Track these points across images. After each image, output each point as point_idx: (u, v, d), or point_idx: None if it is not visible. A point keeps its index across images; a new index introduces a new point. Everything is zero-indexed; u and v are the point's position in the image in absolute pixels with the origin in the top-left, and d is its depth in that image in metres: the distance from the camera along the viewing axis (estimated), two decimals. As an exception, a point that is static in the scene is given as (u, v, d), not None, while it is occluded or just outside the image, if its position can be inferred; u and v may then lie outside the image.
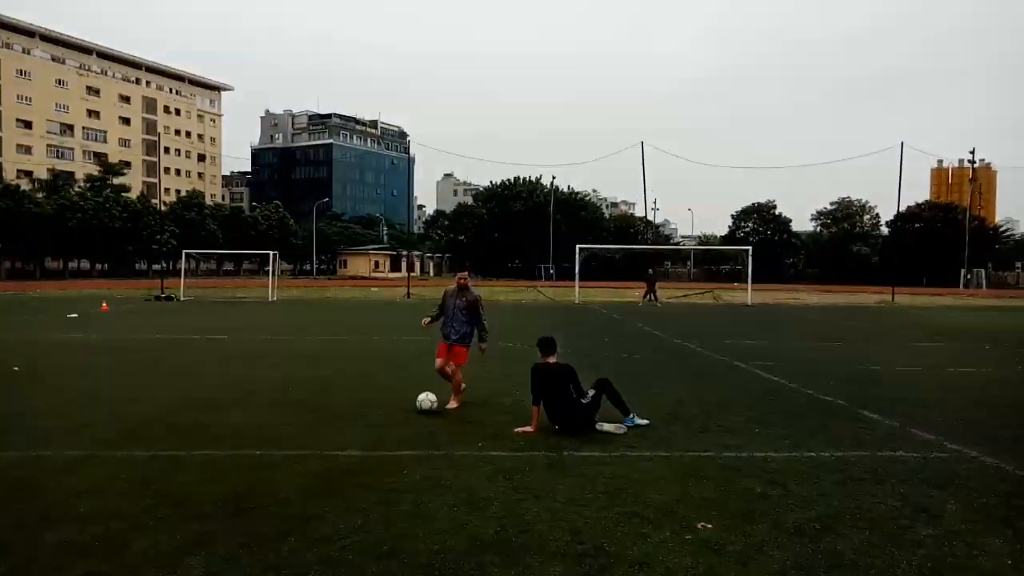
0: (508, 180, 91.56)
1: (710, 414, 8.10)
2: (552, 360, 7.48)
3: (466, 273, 8.87)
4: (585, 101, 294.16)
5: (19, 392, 9.23)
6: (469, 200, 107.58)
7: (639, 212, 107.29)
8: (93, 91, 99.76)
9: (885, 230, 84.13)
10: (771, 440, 6.93)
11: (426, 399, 7.90)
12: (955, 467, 6.02)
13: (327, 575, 3.85)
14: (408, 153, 68.70)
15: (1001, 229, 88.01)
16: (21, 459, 6.03)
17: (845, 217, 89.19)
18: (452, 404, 8.24)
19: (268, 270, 35.79)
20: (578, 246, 39.40)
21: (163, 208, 71.16)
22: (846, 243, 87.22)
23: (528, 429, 7.11)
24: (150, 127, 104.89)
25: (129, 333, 17.44)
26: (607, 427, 7.17)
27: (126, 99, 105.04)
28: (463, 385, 8.49)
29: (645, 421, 7.43)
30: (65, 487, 5.30)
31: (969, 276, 68.91)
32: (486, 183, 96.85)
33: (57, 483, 5.40)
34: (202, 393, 9.26)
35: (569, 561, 4.05)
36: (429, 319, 8.86)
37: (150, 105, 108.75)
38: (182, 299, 32.95)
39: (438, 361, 8.43)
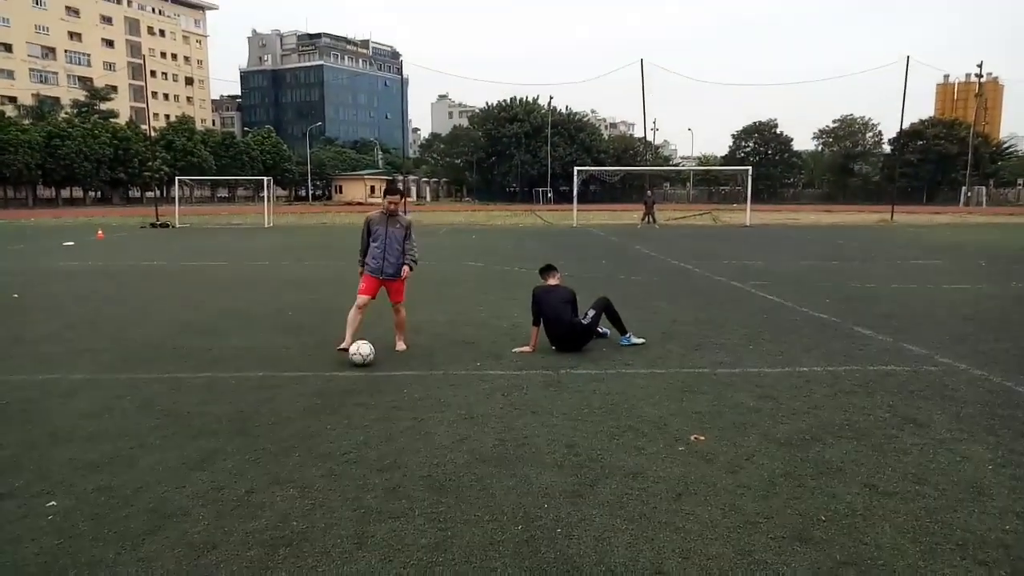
0: (504, 101, 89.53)
1: (705, 332, 8.21)
2: (553, 282, 7.56)
3: (398, 196, 7.45)
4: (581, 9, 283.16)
5: (20, 319, 9.30)
6: (465, 123, 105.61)
7: (639, 133, 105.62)
8: (72, 11, 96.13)
9: (887, 148, 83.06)
10: (765, 356, 7.04)
11: (358, 353, 6.60)
12: (944, 379, 6.14)
13: (331, 487, 3.98)
14: (401, 74, 66.71)
15: (1004, 146, 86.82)
16: (27, 383, 6.14)
17: (848, 135, 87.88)
18: (401, 346, 7.40)
19: (263, 196, 35.46)
20: (576, 168, 38.99)
21: (153, 134, 69.85)
22: (848, 162, 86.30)
23: (526, 349, 7.23)
24: (134, 49, 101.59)
25: (126, 260, 17.44)
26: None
27: (108, 19, 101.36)
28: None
29: (641, 340, 7.54)
30: (72, 409, 5.41)
31: (969, 194, 68.52)
32: (482, 105, 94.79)
33: (63, 405, 5.51)
34: (202, 317, 9.34)
35: (565, 472, 4.19)
36: (360, 261, 7.35)
37: (133, 26, 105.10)
38: (177, 226, 32.80)
39: (361, 299, 7.14)
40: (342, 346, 6.88)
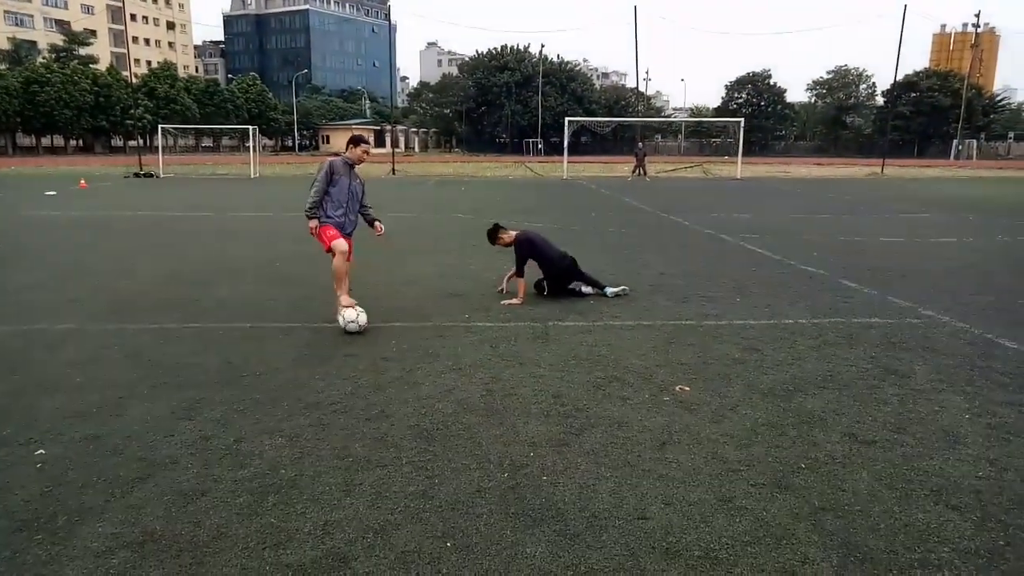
0: (495, 49, 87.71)
1: (693, 285, 8.24)
2: (508, 236, 7.54)
3: (369, 145, 6.96)
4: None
5: (2, 269, 9.20)
6: (454, 71, 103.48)
7: (631, 83, 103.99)
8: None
9: (881, 100, 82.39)
10: (751, 309, 7.09)
11: (355, 321, 6.14)
12: (926, 332, 6.22)
13: (320, 436, 4.01)
14: (389, 20, 65.05)
15: (998, 98, 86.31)
16: (13, 332, 6.10)
17: (841, 87, 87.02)
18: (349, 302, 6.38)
19: (249, 146, 34.88)
20: (567, 119, 38.48)
21: (135, 80, 68.14)
22: (840, 114, 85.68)
23: (515, 301, 7.25)
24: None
25: (111, 210, 17.20)
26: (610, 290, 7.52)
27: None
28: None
29: (619, 288, 7.60)
30: (59, 358, 5.40)
31: (960, 147, 68.41)
32: (472, 53, 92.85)
33: (51, 355, 5.50)
34: (189, 268, 9.28)
35: (551, 421, 4.24)
36: (312, 209, 6.47)
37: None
38: (162, 176, 32.30)
39: (342, 243, 6.39)
40: (344, 303, 6.24)
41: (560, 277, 7.52)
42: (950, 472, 3.60)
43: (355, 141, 6.76)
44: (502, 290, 7.70)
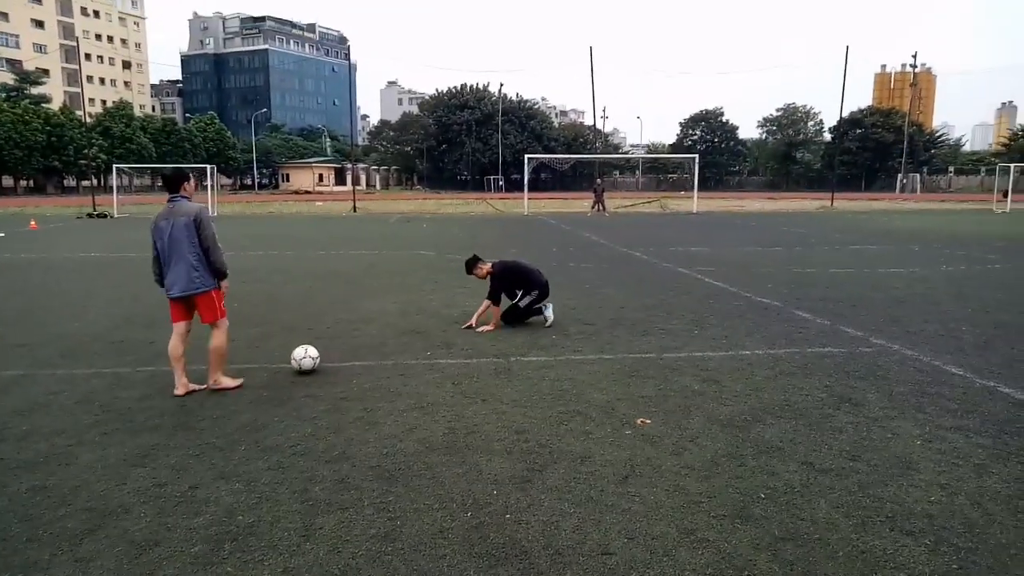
0: (455, 88, 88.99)
1: (652, 318, 8.35)
2: (483, 270, 7.94)
3: (183, 180, 5.52)
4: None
5: (-53, 314, 8.87)
6: (415, 109, 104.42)
7: (588, 121, 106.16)
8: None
9: (828, 136, 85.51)
10: (709, 341, 7.21)
11: (307, 358, 5.97)
12: (877, 360, 6.40)
13: (278, 480, 3.93)
14: (349, 60, 65.50)
15: (937, 135, 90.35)
16: (-45, 381, 5.87)
17: (790, 124, 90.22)
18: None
19: (206, 185, 34.49)
20: (527, 156, 39.03)
21: (89, 120, 67.06)
22: (791, 150, 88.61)
23: (489, 328, 7.61)
24: (67, 31, 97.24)
25: (62, 252, 16.77)
26: (547, 311, 7.93)
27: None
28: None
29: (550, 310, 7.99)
30: (5, 406, 5.20)
31: (904, 181, 71.16)
32: (432, 91, 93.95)
33: (-5, 403, 5.30)
34: (143, 310, 9.06)
35: (514, 458, 4.23)
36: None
37: (65, 6, 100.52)
38: (116, 216, 31.67)
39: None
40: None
41: (542, 292, 7.89)
42: (904, 498, 3.68)
43: (187, 177, 5.65)
44: (470, 326, 7.75)
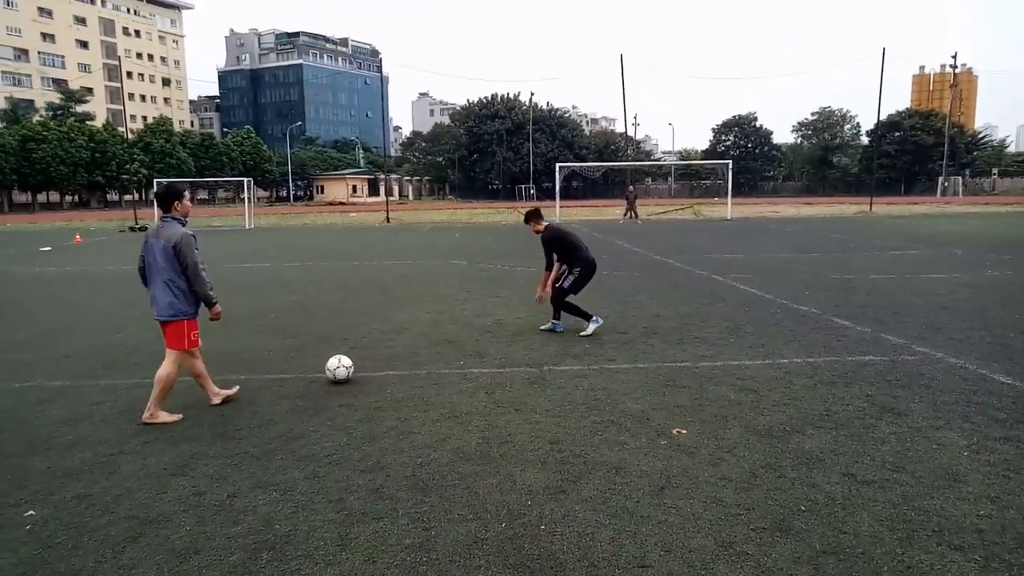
0: (485, 98, 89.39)
1: (687, 326, 8.26)
2: (545, 224, 8.17)
3: (175, 199, 5.45)
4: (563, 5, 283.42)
5: (-3, 326, 9.16)
6: (446, 120, 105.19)
7: (620, 128, 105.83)
8: (45, 12, 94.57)
9: (866, 140, 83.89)
10: (745, 349, 7.10)
11: (341, 367, 6.06)
12: (921, 368, 6.23)
13: (314, 489, 3.96)
14: (381, 72, 66.41)
15: (980, 136, 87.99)
16: (4, 391, 6.05)
17: (826, 127, 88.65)
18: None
19: (244, 198, 35.16)
20: (558, 164, 39.06)
21: (130, 136, 68.95)
22: (827, 154, 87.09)
23: (541, 295, 8.06)
24: (110, 50, 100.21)
25: (106, 265, 17.23)
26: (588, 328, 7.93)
27: (81, 20, 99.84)
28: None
29: (562, 328, 8.09)
30: (49, 416, 5.35)
31: (946, 184, 69.42)
32: (463, 102, 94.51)
33: (42, 412, 5.45)
34: (183, 322, 9.24)
35: (548, 469, 4.20)
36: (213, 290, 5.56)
37: (108, 27, 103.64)
38: (157, 229, 32.42)
39: (191, 362, 5.48)
40: (212, 402, 5.52)
41: (586, 270, 7.95)
42: (951, 511, 3.57)
43: (180, 196, 5.50)
44: (540, 298, 8.16)
